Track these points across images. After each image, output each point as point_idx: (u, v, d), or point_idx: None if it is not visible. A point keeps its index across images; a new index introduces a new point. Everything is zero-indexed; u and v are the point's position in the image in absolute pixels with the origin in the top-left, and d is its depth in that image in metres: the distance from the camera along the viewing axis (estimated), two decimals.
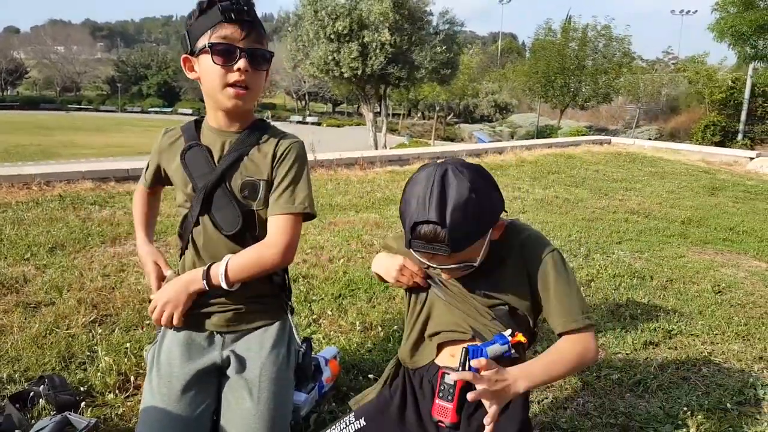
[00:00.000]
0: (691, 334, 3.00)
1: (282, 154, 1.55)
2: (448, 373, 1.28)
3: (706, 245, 5.03)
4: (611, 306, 3.36)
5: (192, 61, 1.51)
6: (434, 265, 1.33)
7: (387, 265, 1.51)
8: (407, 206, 1.28)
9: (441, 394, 1.29)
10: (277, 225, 1.52)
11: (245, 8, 1.42)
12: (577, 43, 28.31)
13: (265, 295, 1.65)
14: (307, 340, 1.77)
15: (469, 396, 1.19)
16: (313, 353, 2.06)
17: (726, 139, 23.75)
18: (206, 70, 1.46)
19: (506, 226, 1.39)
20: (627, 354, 2.74)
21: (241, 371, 1.56)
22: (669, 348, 2.84)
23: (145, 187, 1.77)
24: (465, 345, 1.31)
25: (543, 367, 1.29)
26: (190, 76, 1.53)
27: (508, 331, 1.35)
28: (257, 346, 1.60)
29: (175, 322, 1.54)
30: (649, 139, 22.03)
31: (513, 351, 1.35)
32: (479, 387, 1.20)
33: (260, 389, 1.53)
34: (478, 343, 1.34)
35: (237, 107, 1.49)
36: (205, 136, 1.58)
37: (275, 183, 1.54)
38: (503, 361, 1.32)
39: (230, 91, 1.45)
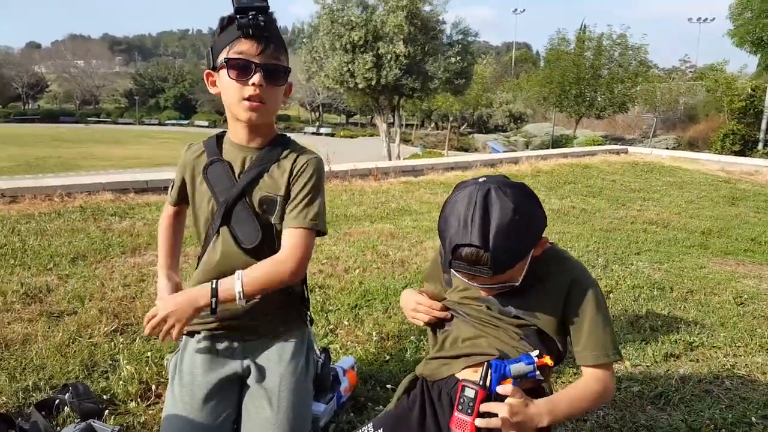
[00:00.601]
0: (713, 347, 2.97)
1: (299, 170, 1.56)
2: (468, 386, 1.28)
3: (727, 256, 4.97)
4: (631, 317, 3.33)
5: (214, 76, 1.54)
6: (475, 285, 1.33)
7: (404, 303, 1.53)
8: (447, 226, 1.26)
9: (460, 407, 1.27)
10: (290, 239, 1.53)
11: (263, 23, 1.44)
12: (593, 52, 28.23)
13: (285, 306, 1.67)
14: (325, 351, 1.78)
15: (489, 423, 1.19)
16: (330, 364, 2.07)
17: (746, 149, 23.43)
18: (224, 85, 1.49)
19: (547, 247, 1.38)
20: (647, 366, 2.71)
21: (261, 381, 1.58)
22: (690, 360, 2.81)
23: (171, 205, 1.79)
24: (489, 359, 1.30)
25: (568, 402, 1.28)
26: (212, 90, 1.56)
27: (535, 352, 1.34)
28: (277, 356, 1.62)
29: (174, 336, 1.48)
30: (667, 148, 21.81)
31: (537, 372, 1.33)
32: (501, 413, 1.19)
33: (280, 399, 1.55)
34: (503, 359, 1.33)
35: (252, 120, 1.52)
36: (227, 151, 1.61)
37: (291, 197, 1.56)
38: (527, 381, 1.31)
39: (246, 104, 1.48)
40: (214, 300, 1.47)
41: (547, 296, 1.34)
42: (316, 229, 1.55)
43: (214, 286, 1.48)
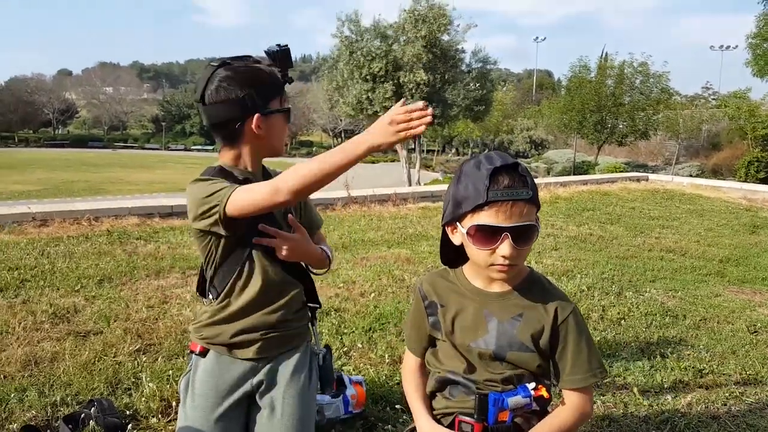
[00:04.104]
0: (723, 374, 2.98)
1: None
2: (465, 421, 1.32)
3: (744, 284, 4.95)
4: (641, 344, 3.36)
5: (260, 120, 1.60)
6: (505, 225, 1.22)
7: (379, 130, 1.31)
8: (467, 178, 1.25)
9: None
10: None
11: (291, 81, 1.67)
12: (614, 80, 28.25)
13: (302, 318, 1.75)
14: (327, 347, 1.85)
15: None
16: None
17: None
18: (277, 128, 1.65)
19: (528, 272, 1.39)
20: (656, 392, 2.74)
21: (268, 392, 1.67)
22: (699, 387, 2.83)
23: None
24: (480, 392, 1.32)
25: (551, 430, 1.31)
26: (257, 132, 1.61)
27: (532, 384, 1.35)
28: (283, 368, 1.71)
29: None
30: (690, 175, 21.65)
31: (534, 404, 1.34)
32: None
33: (284, 405, 1.64)
34: (500, 392, 1.34)
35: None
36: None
37: (307, 205, 1.79)
38: (524, 413, 1.34)
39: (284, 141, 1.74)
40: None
41: (536, 326, 1.34)
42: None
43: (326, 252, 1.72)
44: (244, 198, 1.43)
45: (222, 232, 1.50)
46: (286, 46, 1.62)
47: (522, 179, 1.22)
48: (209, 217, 1.47)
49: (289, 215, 1.64)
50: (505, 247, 1.23)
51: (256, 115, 1.60)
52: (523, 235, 1.24)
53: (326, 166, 1.33)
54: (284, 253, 1.58)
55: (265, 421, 1.63)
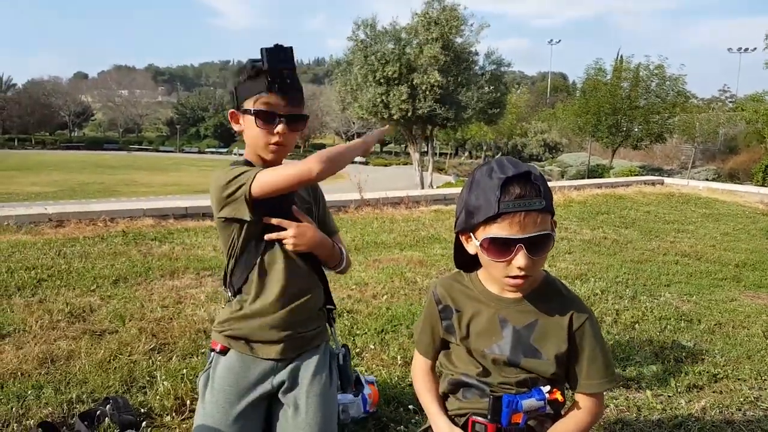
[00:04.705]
0: (738, 379, 2.95)
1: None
2: (478, 422, 1.33)
3: (761, 289, 4.89)
4: (656, 348, 3.33)
5: (238, 116, 1.68)
6: (518, 237, 1.21)
7: None
8: (477, 187, 1.25)
9: None
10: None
11: (288, 80, 1.59)
12: (630, 82, 28.03)
13: (321, 318, 1.77)
14: (344, 346, 1.86)
15: None
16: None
17: None
18: (250, 129, 1.63)
19: (543, 277, 1.38)
20: (669, 396, 2.72)
21: (290, 391, 1.68)
22: (714, 392, 2.80)
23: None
24: (494, 393, 1.33)
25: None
26: (236, 128, 1.71)
27: (547, 388, 1.34)
28: (304, 367, 1.72)
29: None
30: (707, 179, 21.39)
31: (548, 407, 1.34)
32: None
33: (308, 404, 1.66)
34: (514, 393, 1.34)
35: (274, 161, 1.67)
36: None
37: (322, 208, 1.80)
38: (538, 415, 1.34)
39: (271, 147, 1.62)
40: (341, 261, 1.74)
41: (552, 332, 1.33)
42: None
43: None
44: (270, 175, 1.50)
45: (247, 216, 1.52)
46: (275, 46, 1.57)
47: (535, 188, 1.20)
48: (235, 199, 1.52)
49: (293, 206, 1.65)
50: (520, 259, 1.21)
51: (231, 110, 1.70)
52: (538, 245, 1.22)
53: (348, 153, 1.55)
54: (291, 241, 1.59)
55: (290, 421, 1.65)
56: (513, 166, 1.22)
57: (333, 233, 1.80)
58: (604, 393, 1.37)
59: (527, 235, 1.20)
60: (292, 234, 1.58)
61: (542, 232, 1.21)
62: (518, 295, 1.34)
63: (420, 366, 1.53)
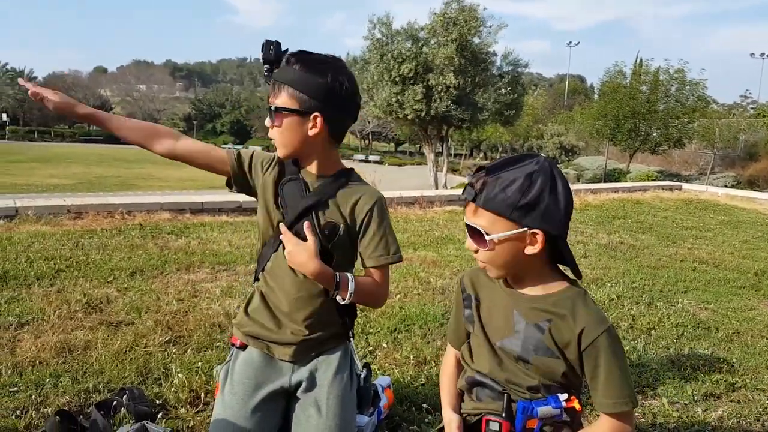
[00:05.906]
0: (756, 389, 2.91)
1: (368, 208, 1.62)
2: (492, 420, 1.31)
3: None
4: (672, 355, 3.30)
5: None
6: (466, 221, 1.30)
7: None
8: None
9: None
10: (379, 274, 1.64)
11: (273, 69, 1.58)
12: (649, 86, 27.77)
13: (335, 323, 1.76)
14: (366, 366, 1.85)
15: None
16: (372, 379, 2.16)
17: None
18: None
19: (566, 286, 1.34)
20: (686, 404, 2.69)
21: (310, 390, 1.68)
22: (731, 401, 2.77)
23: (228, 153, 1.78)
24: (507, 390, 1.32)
25: None
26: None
27: (564, 396, 1.31)
28: (323, 368, 1.71)
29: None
30: (726, 186, 21.13)
31: (564, 415, 1.31)
32: None
33: (328, 406, 1.65)
34: (528, 399, 1.32)
35: (282, 156, 1.64)
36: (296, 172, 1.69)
37: (367, 235, 1.63)
38: (554, 422, 1.32)
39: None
40: (335, 292, 1.54)
41: (563, 336, 1.29)
42: (399, 260, 1.69)
43: (338, 279, 1.54)
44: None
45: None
46: (272, 42, 1.58)
47: (482, 182, 1.24)
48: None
49: (306, 222, 1.57)
50: (467, 240, 1.32)
51: None
52: (475, 237, 1.28)
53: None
54: (287, 256, 1.54)
55: (313, 421, 1.64)
56: (498, 161, 1.29)
57: (371, 265, 1.63)
58: (632, 416, 1.30)
59: (466, 222, 1.30)
60: (288, 250, 1.53)
61: (473, 224, 1.27)
62: (537, 292, 1.33)
63: (447, 356, 1.57)
